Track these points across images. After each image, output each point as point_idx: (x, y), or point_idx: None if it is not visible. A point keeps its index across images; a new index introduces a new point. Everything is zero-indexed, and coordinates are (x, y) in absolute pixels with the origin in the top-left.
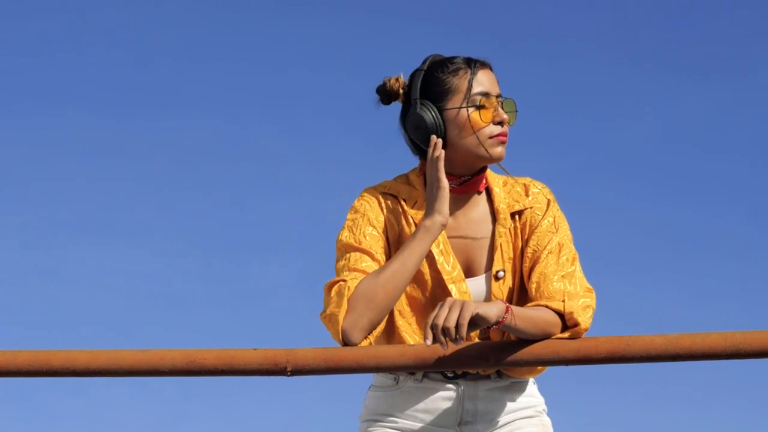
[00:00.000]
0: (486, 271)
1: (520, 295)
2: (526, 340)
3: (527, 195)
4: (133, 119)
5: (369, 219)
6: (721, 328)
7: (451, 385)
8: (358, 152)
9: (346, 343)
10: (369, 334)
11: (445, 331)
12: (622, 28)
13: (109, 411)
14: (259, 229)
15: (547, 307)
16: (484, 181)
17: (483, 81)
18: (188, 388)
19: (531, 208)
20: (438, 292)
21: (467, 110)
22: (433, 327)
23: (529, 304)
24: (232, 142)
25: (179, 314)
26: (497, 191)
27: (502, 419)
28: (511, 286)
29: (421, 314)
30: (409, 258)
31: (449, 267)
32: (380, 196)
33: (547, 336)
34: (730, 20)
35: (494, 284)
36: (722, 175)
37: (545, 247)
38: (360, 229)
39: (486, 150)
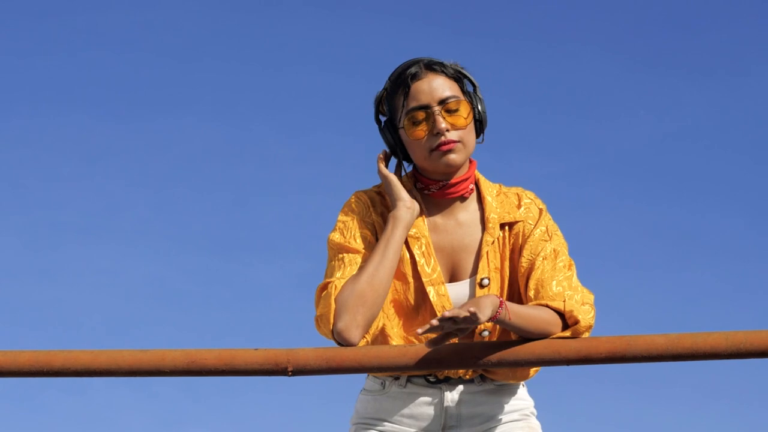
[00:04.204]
0: (470, 277)
1: None
2: (527, 339)
3: (519, 206)
4: (132, 120)
5: (360, 220)
6: (722, 327)
7: (433, 390)
8: (358, 152)
9: (342, 343)
10: (366, 333)
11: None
12: (620, 30)
13: (109, 411)
14: (260, 230)
15: (547, 306)
16: (470, 187)
17: (417, 94)
18: (188, 389)
19: (521, 222)
20: (419, 294)
21: (404, 129)
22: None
23: (530, 303)
24: (233, 143)
25: (180, 315)
26: (489, 200)
27: (488, 423)
28: (497, 295)
29: (406, 317)
30: (386, 250)
31: (429, 269)
32: (370, 197)
33: (545, 335)
34: (728, 22)
35: (478, 291)
36: (722, 174)
37: (539, 254)
38: (351, 231)
39: (430, 164)
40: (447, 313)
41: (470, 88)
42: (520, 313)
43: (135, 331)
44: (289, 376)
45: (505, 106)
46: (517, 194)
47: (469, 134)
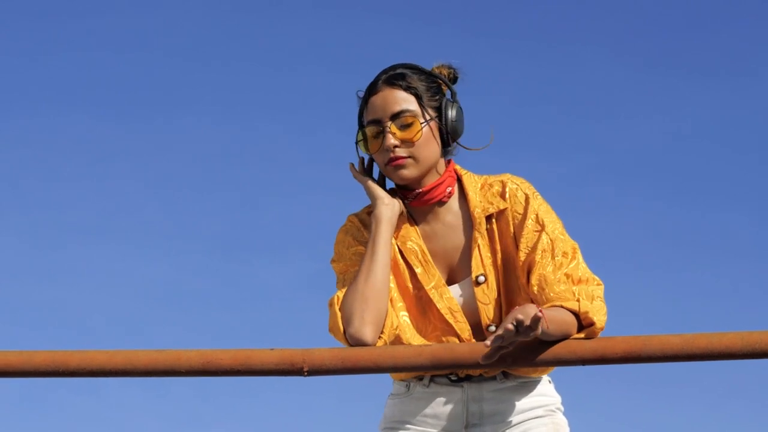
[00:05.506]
0: (466, 277)
1: (507, 297)
2: (545, 341)
3: (504, 195)
4: (134, 121)
5: (353, 239)
6: (737, 327)
7: (455, 389)
8: None
9: (359, 344)
10: (380, 332)
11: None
12: (624, 30)
13: (123, 412)
14: (274, 230)
15: (562, 307)
16: (447, 191)
17: (372, 108)
18: (202, 389)
19: (507, 209)
20: (425, 303)
21: (364, 142)
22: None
23: (544, 306)
24: (243, 143)
25: (195, 315)
26: (472, 195)
27: (511, 420)
28: (496, 289)
29: (418, 326)
30: (375, 248)
31: (428, 276)
32: (361, 219)
33: (566, 336)
34: (733, 22)
35: (477, 289)
36: (735, 174)
37: (535, 246)
38: (346, 251)
39: (389, 176)
40: (519, 316)
41: (448, 95)
42: (553, 320)
43: (150, 332)
44: (305, 376)
45: (509, 107)
46: (502, 181)
47: (423, 148)
